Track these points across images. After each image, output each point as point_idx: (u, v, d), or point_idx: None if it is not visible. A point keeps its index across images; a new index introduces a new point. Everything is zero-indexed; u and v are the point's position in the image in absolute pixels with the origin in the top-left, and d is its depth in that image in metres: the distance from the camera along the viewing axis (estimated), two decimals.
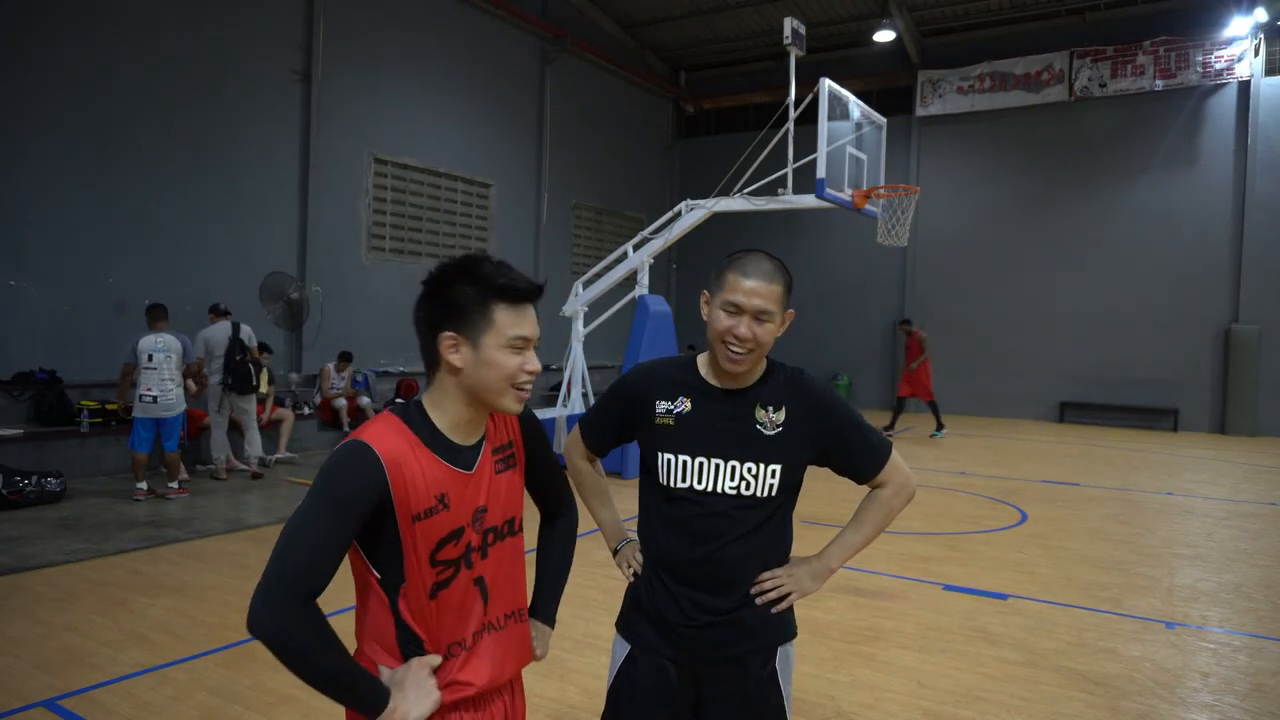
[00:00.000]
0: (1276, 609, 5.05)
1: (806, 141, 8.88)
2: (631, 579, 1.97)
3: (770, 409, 1.82)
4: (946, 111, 16.36)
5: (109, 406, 8.51)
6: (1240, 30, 13.89)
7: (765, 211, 9.51)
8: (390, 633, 1.48)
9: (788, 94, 9.09)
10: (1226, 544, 6.66)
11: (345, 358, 10.72)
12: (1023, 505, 7.92)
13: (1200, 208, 14.48)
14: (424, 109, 13.27)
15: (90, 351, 8.94)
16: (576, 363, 10.19)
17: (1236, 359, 14.03)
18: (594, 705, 3.49)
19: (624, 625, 1.96)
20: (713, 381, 1.85)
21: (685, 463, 1.81)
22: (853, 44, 17.15)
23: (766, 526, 1.84)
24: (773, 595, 1.84)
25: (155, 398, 7.29)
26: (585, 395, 10.27)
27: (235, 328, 8.48)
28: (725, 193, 9.47)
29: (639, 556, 1.98)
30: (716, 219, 9.86)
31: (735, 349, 1.76)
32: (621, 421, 1.96)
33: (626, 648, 1.92)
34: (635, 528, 2.01)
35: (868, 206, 9.51)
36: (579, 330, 10.22)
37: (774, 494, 1.81)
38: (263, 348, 8.85)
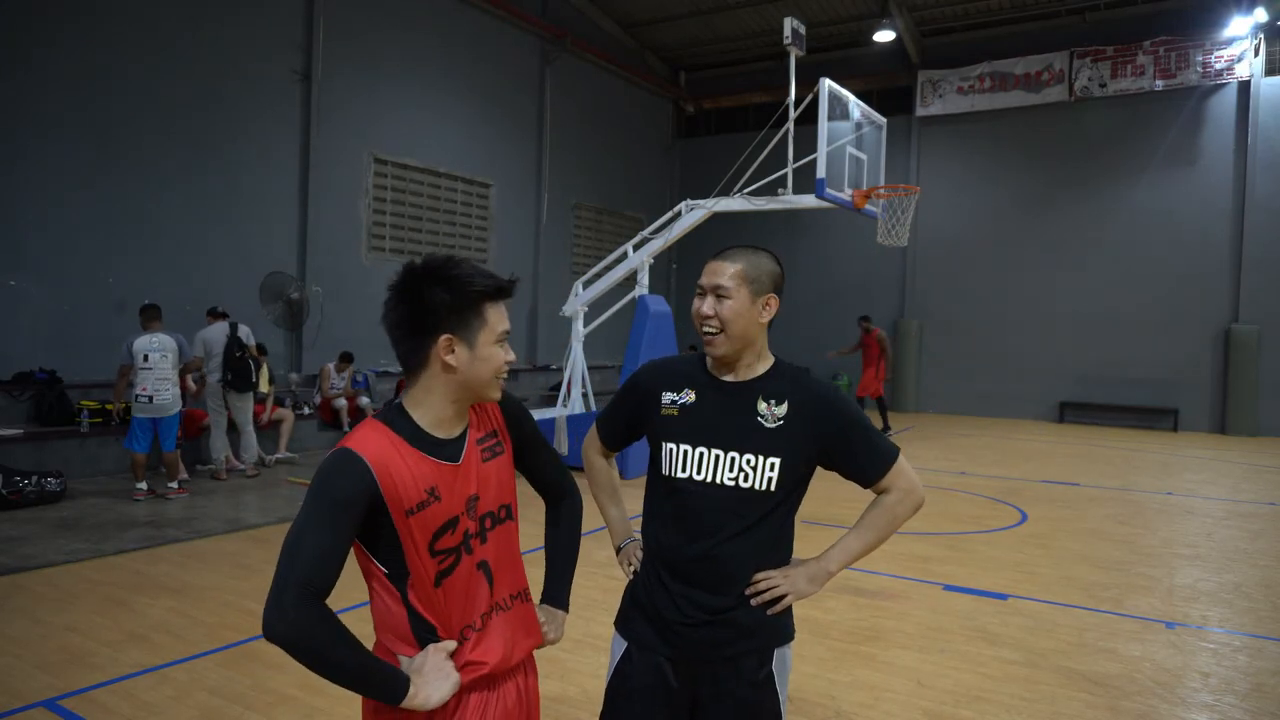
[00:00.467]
0: (1276, 609, 5.05)
1: (806, 141, 8.88)
2: (631, 576, 1.98)
3: (772, 402, 1.84)
4: (946, 111, 16.35)
5: (109, 406, 8.50)
6: (1240, 30, 13.88)
7: (765, 211, 9.51)
8: (404, 623, 1.54)
9: (788, 94, 9.09)
10: (1226, 544, 6.66)
11: (346, 358, 10.72)
12: (1023, 505, 7.92)
13: (1200, 208, 14.47)
14: (424, 109, 13.27)
15: (90, 351, 8.94)
16: (576, 363, 10.18)
17: (1236, 359, 14.02)
18: (593, 705, 3.48)
19: (622, 623, 1.97)
20: (718, 375, 1.90)
21: (686, 452, 1.85)
22: (853, 44, 17.15)
23: (766, 523, 1.84)
24: (767, 596, 1.83)
25: (151, 398, 7.28)
26: (585, 395, 10.26)
27: (233, 327, 8.50)
28: (725, 193, 9.48)
29: (639, 554, 1.99)
30: (716, 219, 9.86)
31: (704, 329, 1.85)
32: (632, 415, 2.01)
33: (624, 645, 1.93)
34: (640, 527, 2.02)
35: (868, 206, 9.51)
36: (579, 330, 10.21)
37: (773, 488, 1.81)
38: (260, 349, 8.85)
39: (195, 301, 9.50)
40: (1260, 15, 13.65)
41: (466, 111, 14.07)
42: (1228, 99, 14.28)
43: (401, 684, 1.44)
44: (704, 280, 1.86)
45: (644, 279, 9.91)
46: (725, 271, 1.84)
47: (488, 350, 1.54)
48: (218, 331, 8.46)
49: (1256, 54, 13.96)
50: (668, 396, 1.90)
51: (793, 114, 9.06)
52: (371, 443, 1.49)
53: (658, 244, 9.92)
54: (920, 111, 16.56)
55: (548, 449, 1.86)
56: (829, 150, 8.80)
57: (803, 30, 9.20)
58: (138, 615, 4.51)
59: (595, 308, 10.50)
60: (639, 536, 2.03)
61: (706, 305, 1.84)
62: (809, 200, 8.98)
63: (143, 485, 7.39)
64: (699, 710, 1.86)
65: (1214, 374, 14.37)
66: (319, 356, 11.24)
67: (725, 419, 1.84)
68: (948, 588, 5.31)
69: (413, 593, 1.53)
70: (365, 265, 12.40)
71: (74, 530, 6.27)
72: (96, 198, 9.29)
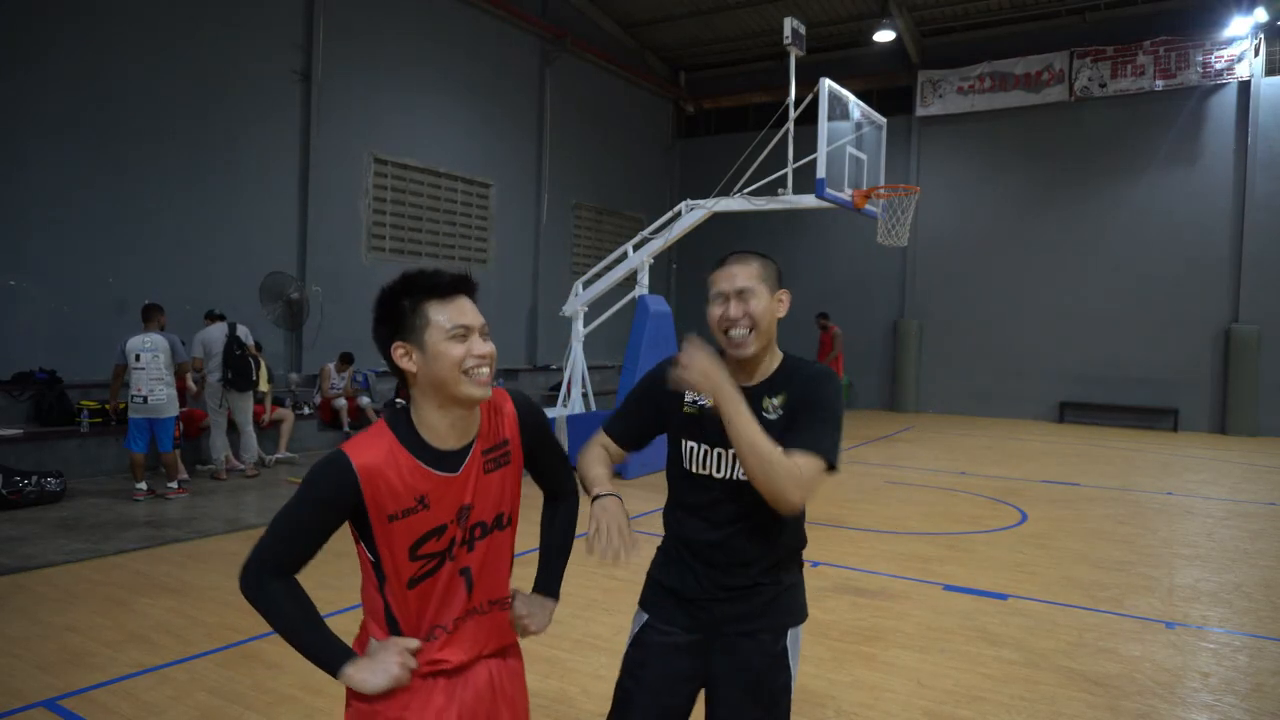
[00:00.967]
0: (1276, 609, 5.05)
1: (806, 141, 8.88)
2: (592, 532, 1.80)
3: (773, 396, 1.91)
4: (946, 111, 16.35)
5: (108, 406, 8.51)
6: (1240, 30, 13.88)
7: (765, 211, 9.51)
8: (380, 611, 1.65)
9: (788, 94, 9.09)
10: (1227, 544, 6.66)
11: (346, 359, 10.72)
12: (1023, 505, 7.92)
13: (1200, 208, 14.47)
14: (424, 109, 13.27)
15: (90, 351, 8.94)
16: (576, 363, 10.18)
17: (1236, 359, 14.02)
18: (593, 705, 3.49)
19: (644, 599, 2.05)
20: (734, 378, 1.89)
21: (705, 451, 1.92)
22: (853, 44, 17.15)
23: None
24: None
25: (145, 398, 7.27)
26: (585, 395, 10.26)
27: (232, 327, 8.51)
28: (725, 193, 9.48)
29: (618, 516, 1.82)
30: (716, 219, 9.86)
31: (733, 331, 1.87)
32: (654, 414, 2.03)
33: (644, 618, 2.01)
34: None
35: (868, 206, 9.51)
36: (579, 330, 10.22)
37: None
38: (256, 345, 8.85)
39: (195, 301, 9.51)
40: (1260, 15, 13.65)
41: (466, 111, 14.07)
42: (1228, 99, 14.29)
43: (339, 659, 1.56)
44: (724, 286, 1.89)
45: (644, 279, 9.91)
46: (745, 273, 1.89)
47: (439, 348, 1.56)
48: (217, 331, 8.47)
49: (1256, 54, 13.96)
50: (689, 395, 1.94)
51: (793, 114, 9.06)
52: (367, 449, 1.57)
53: (658, 244, 9.92)
54: (920, 111, 16.56)
55: (558, 454, 1.91)
56: (829, 150, 8.80)
57: (803, 30, 9.20)
58: (138, 615, 4.51)
59: (595, 308, 10.50)
60: (617, 493, 1.88)
61: (734, 308, 1.87)
62: (809, 200, 8.98)
63: (142, 485, 7.39)
64: (713, 683, 1.92)
65: (1214, 374, 14.37)
66: (319, 356, 11.24)
67: None
68: (948, 588, 5.31)
69: (387, 587, 1.62)
70: (365, 265, 12.40)
71: (74, 530, 6.27)
72: (96, 198, 9.29)
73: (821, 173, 8.73)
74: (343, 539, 1.63)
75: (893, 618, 4.71)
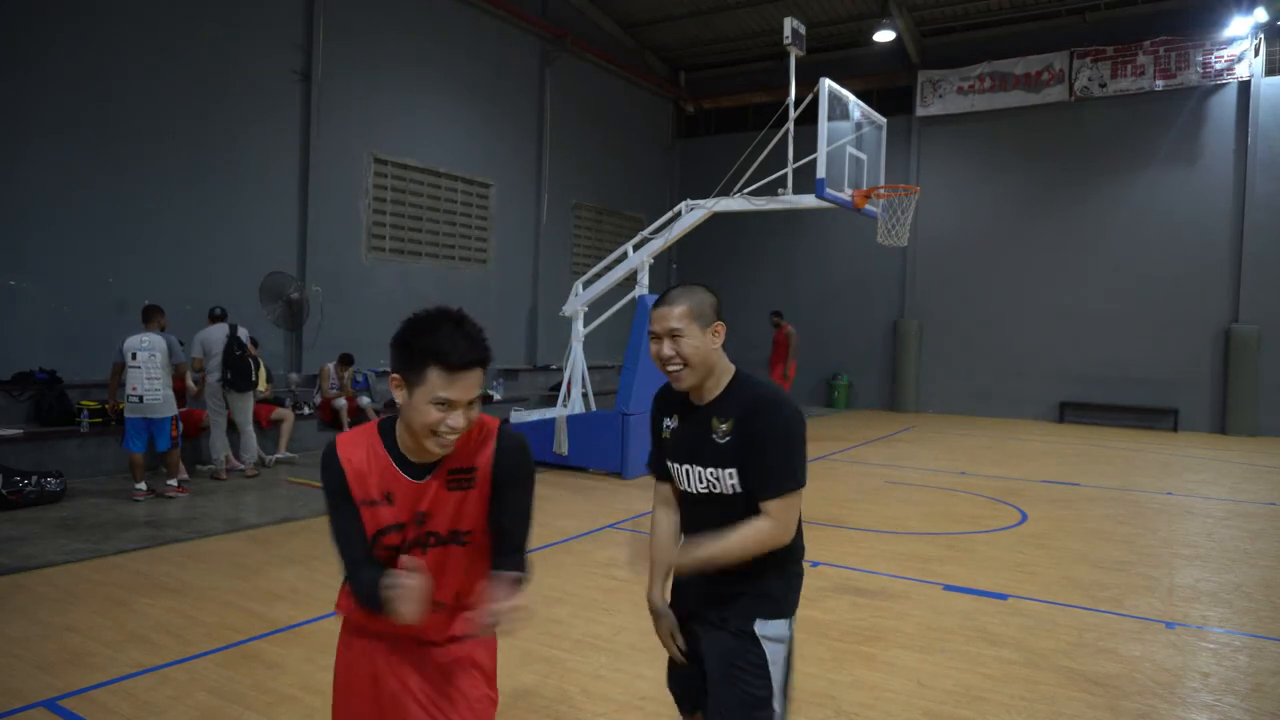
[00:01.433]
0: (1277, 609, 5.05)
1: (806, 141, 8.87)
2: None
3: (720, 420, 2.06)
4: (946, 111, 16.35)
5: (108, 406, 8.51)
6: (1240, 30, 13.88)
7: (765, 211, 9.51)
8: None
9: (788, 94, 9.09)
10: (1227, 544, 6.66)
11: (345, 359, 10.71)
12: (1023, 505, 7.92)
13: (1200, 208, 14.47)
14: (424, 109, 13.27)
15: (90, 351, 8.93)
16: (576, 363, 10.18)
17: (1236, 359, 14.02)
18: (593, 705, 3.48)
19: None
20: (690, 400, 2.16)
21: (677, 469, 2.17)
22: (853, 44, 17.15)
23: (748, 515, 2.06)
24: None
25: (141, 397, 7.26)
26: (585, 395, 10.26)
27: (232, 328, 8.51)
28: (725, 193, 9.48)
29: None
30: (716, 219, 9.85)
31: (669, 368, 2.06)
32: (658, 438, 2.29)
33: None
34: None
35: (868, 206, 9.51)
36: (579, 330, 10.21)
37: (739, 490, 2.05)
38: (253, 342, 8.84)
39: (195, 301, 9.50)
40: (1260, 15, 13.65)
41: (466, 111, 14.07)
42: (1228, 99, 14.29)
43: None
44: (656, 326, 2.06)
45: (644, 279, 9.91)
46: (673, 314, 2.04)
47: (422, 406, 1.68)
48: (217, 331, 8.47)
49: (1256, 54, 13.96)
50: (665, 422, 2.22)
51: (793, 114, 9.06)
52: (351, 441, 1.81)
53: (658, 244, 9.92)
54: (920, 111, 16.56)
55: (519, 511, 1.85)
56: (829, 150, 8.80)
57: (803, 30, 9.20)
58: (138, 615, 4.51)
59: (595, 308, 10.50)
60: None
61: (666, 348, 2.05)
62: (809, 200, 8.98)
63: (142, 485, 7.39)
64: (704, 663, 2.15)
65: (1214, 374, 14.38)
66: (319, 356, 11.24)
67: (694, 439, 2.11)
68: (948, 588, 5.31)
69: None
70: (365, 265, 12.40)
71: (74, 530, 6.27)
72: (96, 198, 9.29)
73: (821, 173, 8.73)
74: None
75: (893, 618, 4.71)
